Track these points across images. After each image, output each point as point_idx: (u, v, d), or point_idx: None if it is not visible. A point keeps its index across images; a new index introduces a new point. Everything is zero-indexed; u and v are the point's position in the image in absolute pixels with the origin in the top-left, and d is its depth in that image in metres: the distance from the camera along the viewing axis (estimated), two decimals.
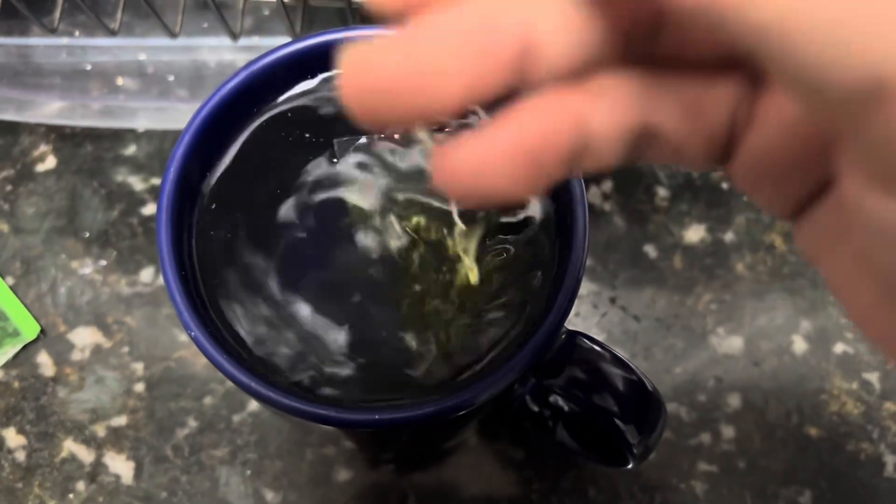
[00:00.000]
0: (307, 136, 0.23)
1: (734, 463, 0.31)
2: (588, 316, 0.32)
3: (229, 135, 0.23)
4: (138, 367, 0.32)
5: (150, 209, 0.34)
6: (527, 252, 0.22)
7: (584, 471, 0.30)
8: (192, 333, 0.19)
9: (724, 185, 0.34)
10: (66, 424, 0.31)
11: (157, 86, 0.35)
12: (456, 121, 0.10)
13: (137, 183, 0.34)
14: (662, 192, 0.34)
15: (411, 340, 0.21)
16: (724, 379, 0.32)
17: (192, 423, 0.31)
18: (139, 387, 0.31)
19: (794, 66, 0.09)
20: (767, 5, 0.08)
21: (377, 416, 0.19)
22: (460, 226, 0.20)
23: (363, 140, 0.22)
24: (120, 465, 0.31)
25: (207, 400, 0.31)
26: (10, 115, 0.34)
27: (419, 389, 0.21)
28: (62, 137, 0.35)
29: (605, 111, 0.11)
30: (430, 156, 0.13)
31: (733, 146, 0.12)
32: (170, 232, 0.20)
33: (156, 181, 0.34)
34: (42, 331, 0.32)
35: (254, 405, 0.31)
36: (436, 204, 0.21)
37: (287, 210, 0.22)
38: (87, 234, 0.33)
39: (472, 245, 0.21)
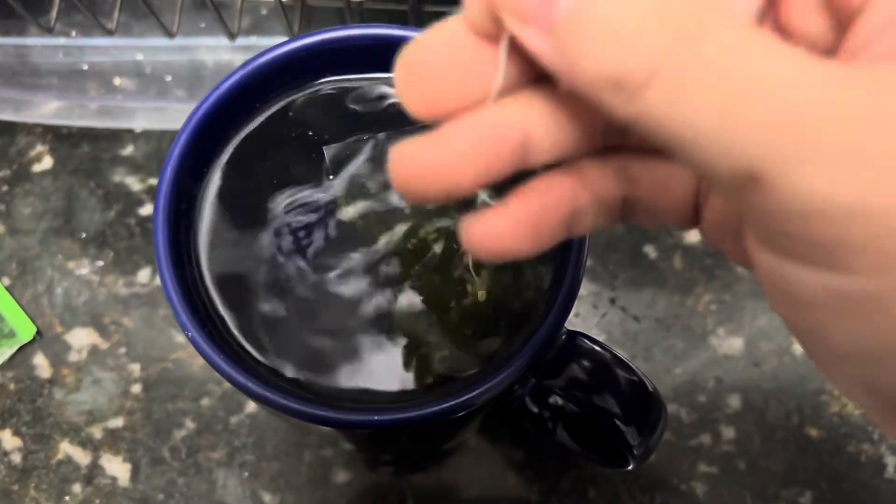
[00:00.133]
0: (306, 134, 0.23)
1: (734, 464, 0.30)
2: (588, 316, 0.32)
3: (227, 134, 0.22)
4: (135, 368, 0.31)
5: (147, 210, 0.34)
6: None
7: (584, 472, 0.30)
8: (190, 334, 0.19)
9: None
10: (63, 426, 0.31)
11: (155, 86, 0.34)
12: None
13: (135, 183, 0.34)
14: None
15: (412, 342, 0.21)
16: (725, 380, 0.31)
17: (190, 424, 0.31)
18: (136, 388, 0.31)
19: (695, 163, 0.11)
20: (670, 121, 0.11)
21: (376, 417, 0.19)
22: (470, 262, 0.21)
23: (352, 141, 0.22)
24: (116, 467, 0.30)
25: (205, 401, 0.31)
26: (6, 115, 0.34)
27: (419, 390, 0.21)
28: (59, 137, 0.35)
29: (590, 190, 0.15)
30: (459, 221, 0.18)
31: (699, 213, 0.15)
32: (167, 232, 0.20)
33: (153, 181, 0.34)
34: (38, 332, 0.32)
35: (251, 407, 0.31)
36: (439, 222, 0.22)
37: (286, 209, 0.22)
38: (84, 235, 0.33)
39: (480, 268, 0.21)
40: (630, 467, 0.23)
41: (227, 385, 0.31)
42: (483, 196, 0.21)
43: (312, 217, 0.22)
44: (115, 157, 0.34)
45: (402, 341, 0.21)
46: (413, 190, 0.13)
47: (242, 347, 0.21)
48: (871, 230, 0.10)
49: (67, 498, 0.30)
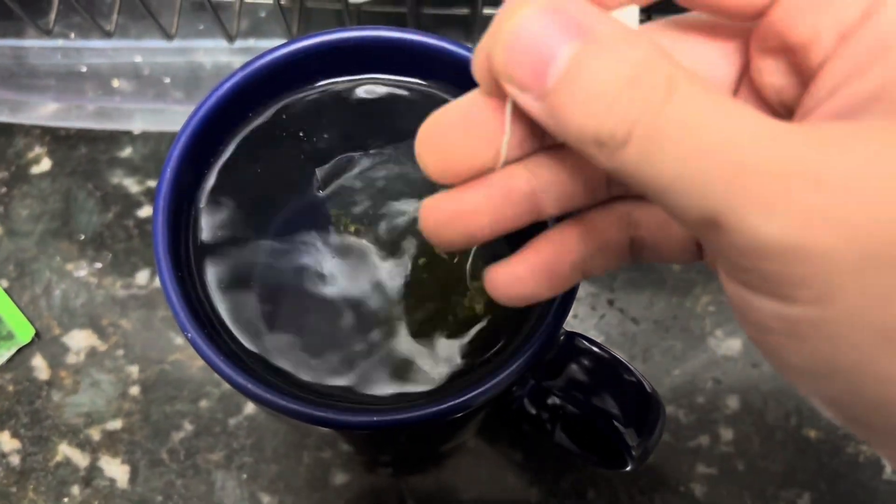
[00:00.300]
0: (305, 136, 0.23)
1: (733, 465, 0.30)
2: (586, 318, 0.32)
3: (226, 136, 0.22)
4: (133, 370, 0.31)
5: (145, 211, 0.34)
6: None
7: (583, 473, 0.30)
8: (189, 335, 0.19)
9: None
10: (61, 428, 0.31)
11: (153, 88, 0.34)
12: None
13: (133, 185, 0.34)
14: None
15: (413, 343, 0.21)
16: (723, 381, 0.31)
17: (188, 426, 0.31)
18: (134, 390, 0.31)
19: (666, 208, 0.13)
20: (645, 174, 0.12)
21: (375, 418, 0.19)
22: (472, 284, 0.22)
23: (344, 158, 0.22)
24: (115, 469, 0.30)
25: (203, 403, 0.31)
26: (4, 117, 0.34)
27: (418, 392, 0.21)
28: (57, 139, 0.35)
29: (598, 236, 0.17)
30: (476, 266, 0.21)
31: (702, 249, 0.17)
32: (166, 233, 0.20)
33: (151, 183, 0.34)
34: (37, 334, 0.32)
35: (250, 409, 0.31)
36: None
37: (285, 212, 0.22)
38: (82, 237, 0.33)
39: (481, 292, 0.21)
40: (629, 468, 0.23)
41: (226, 387, 0.31)
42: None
43: (310, 220, 0.22)
44: (113, 159, 0.34)
45: (402, 343, 0.21)
46: (439, 235, 0.16)
47: (241, 348, 0.21)
48: (808, 268, 0.11)
49: (66, 500, 0.30)
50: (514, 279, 0.17)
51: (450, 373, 0.21)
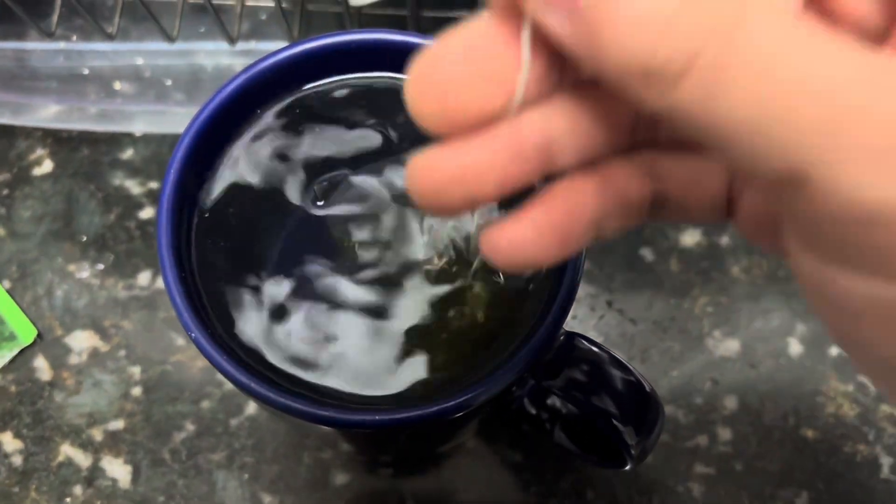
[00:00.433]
0: (308, 138, 0.23)
1: (731, 465, 0.31)
2: (585, 319, 0.32)
3: (228, 138, 0.23)
4: (135, 370, 0.32)
5: (146, 213, 0.34)
6: None
7: (583, 473, 0.31)
8: (193, 335, 0.19)
9: None
10: (63, 428, 0.31)
11: (154, 90, 0.35)
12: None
13: (134, 187, 0.34)
14: None
15: (412, 345, 0.21)
16: (721, 381, 0.32)
17: (190, 426, 0.31)
18: (136, 391, 0.31)
19: (735, 159, 0.11)
20: (708, 115, 0.10)
21: (377, 417, 0.19)
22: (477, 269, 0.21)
23: (340, 174, 0.22)
24: (117, 469, 0.30)
25: (205, 404, 0.31)
26: (6, 119, 0.34)
27: (420, 392, 0.21)
28: (59, 141, 0.35)
29: (616, 190, 0.14)
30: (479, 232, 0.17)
31: (733, 207, 0.14)
32: (170, 234, 0.20)
33: (152, 185, 0.34)
34: (39, 335, 0.32)
35: (251, 409, 0.31)
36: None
37: (287, 215, 0.22)
38: (84, 238, 0.33)
39: (482, 288, 0.21)
40: (628, 467, 0.23)
41: (227, 387, 0.31)
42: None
43: (312, 223, 0.22)
44: (115, 161, 0.35)
45: (403, 344, 0.21)
46: (434, 200, 0.13)
47: (244, 348, 0.21)
48: None
49: (68, 500, 0.30)
50: (519, 241, 0.14)
51: (450, 373, 0.21)
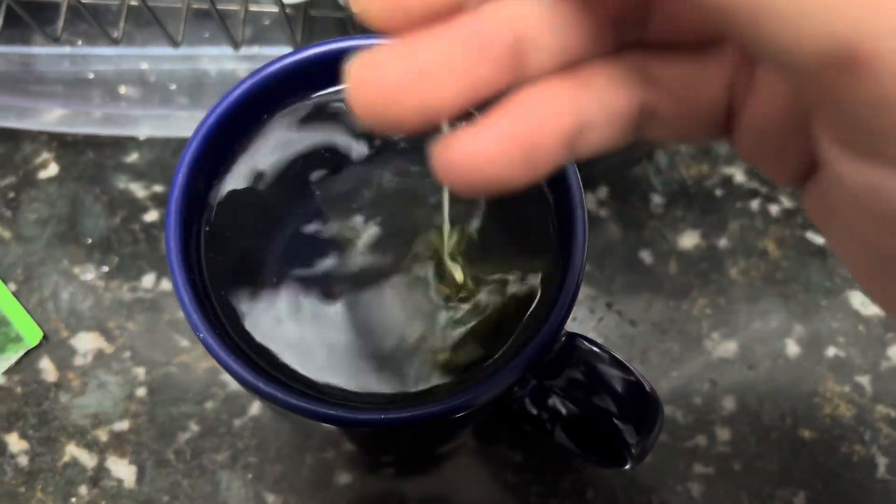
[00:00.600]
0: (312, 143, 0.23)
1: (730, 465, 0.31)
2: (585, 320, 0.33)
3: (235, 142, 0.23)
4: (140, 372, 0.32)
5: (151, 216, 0.34)
6: (526, 255, 0.22)
7: (583, 473, 0.31)
8: (201, 335, 0.20)
9: (718, 192, 0.35)
10: (69, 429, 0.31)
11: (159, 94, 0.35)
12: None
13: (139, 190, 0.35)
14: (657, 198, 0.34)
15: (416, 343, 0.21)
16: (719, 382, 0.32)
17: (194, 427, 0.31)
18: (141, 391, 0.32)
19: (764, 42, 0.09)
20: None
21: (383, 416, 0.19)
22: (446, 224, 0.20)
23: (345, 175, 0.23)
24: (122, 470, 0.31)
25: (209, 404, 0.31)
26: (12, 123, 0.34)
27: (422, 391, 0.21)
28: (64, 145, 0.35)
29: (598, 96, 0.12)
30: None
31: (733, 119, 0.12)
32: (178, 236, 0.21)
33: (157, 188, 0.34)
34: (44, 336, 0.32)
35: (255, 409, 0.31)
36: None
37: (294, 215, 0.22)
38: (89, 241, 0.34)
39: (457, 246, 0.21)
40: (628, 466, 0.23)
41: (231, 388, 0.32)
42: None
43: (319, 223, 0.22)
44: (120, 164, 0.35)
45: (406, 343, 0.21)
46: (381, 114, 0.10)
47: (251, 348, 0.21)
48: None
49: (74, 500, 0.30)
50: (477, 156, 0.11)
51: (453, 374, 0.21)
